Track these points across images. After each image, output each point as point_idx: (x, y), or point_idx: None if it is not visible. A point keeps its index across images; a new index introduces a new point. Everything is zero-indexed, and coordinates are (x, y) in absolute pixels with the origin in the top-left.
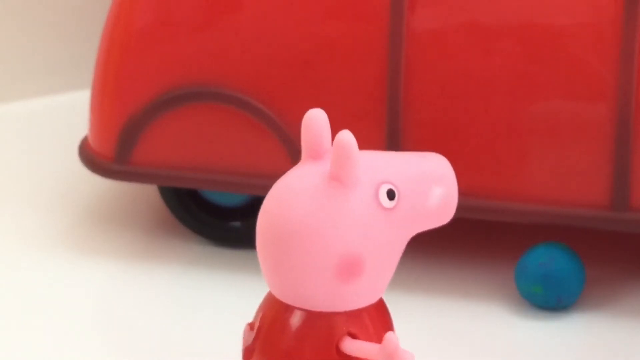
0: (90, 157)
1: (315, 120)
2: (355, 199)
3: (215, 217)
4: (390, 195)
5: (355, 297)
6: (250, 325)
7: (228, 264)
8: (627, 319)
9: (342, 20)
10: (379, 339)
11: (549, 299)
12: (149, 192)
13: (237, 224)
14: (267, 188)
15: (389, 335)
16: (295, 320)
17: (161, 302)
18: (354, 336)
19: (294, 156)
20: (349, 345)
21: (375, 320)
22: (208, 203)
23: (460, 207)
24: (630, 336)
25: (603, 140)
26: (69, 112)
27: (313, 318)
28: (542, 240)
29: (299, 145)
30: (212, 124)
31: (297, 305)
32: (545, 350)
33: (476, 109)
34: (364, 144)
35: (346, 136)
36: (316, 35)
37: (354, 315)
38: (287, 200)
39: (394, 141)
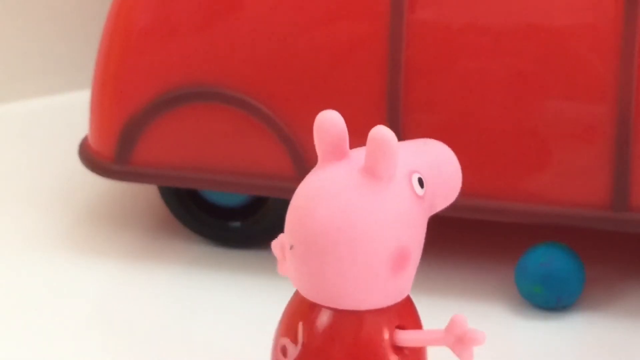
0: (90, 157)
1: (335, 121)
2: (396, 191)
3: (215, 217)
4: (421, 183)
5: (400, 289)
6: (292, 339)
7: (228, 264)
8: (627, 319)
9: (342, 20)
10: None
11: (549, 299)
12: (149, 192)
13: (237, 224)
14: (267, 188)
15: (457, 317)
16: (348, 323)
17: (161, 302)
18: (402, 328)
19: (294, 156)
20: (405, 337)
21: (413, 311)
22: (208, 203)
23: (460, 207)
24: (630, 336)
25: (603, 140)
26: (69, 112)
27: (365, 318)
28: (542, 240)
29: (299, 145)
30: (212, 124)
31: (347, 307)
32: (545, 350)
33: (476, 109)
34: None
35: (383, 130)
36: (316, 35)
37: (398, 308)
38: (328, 204)
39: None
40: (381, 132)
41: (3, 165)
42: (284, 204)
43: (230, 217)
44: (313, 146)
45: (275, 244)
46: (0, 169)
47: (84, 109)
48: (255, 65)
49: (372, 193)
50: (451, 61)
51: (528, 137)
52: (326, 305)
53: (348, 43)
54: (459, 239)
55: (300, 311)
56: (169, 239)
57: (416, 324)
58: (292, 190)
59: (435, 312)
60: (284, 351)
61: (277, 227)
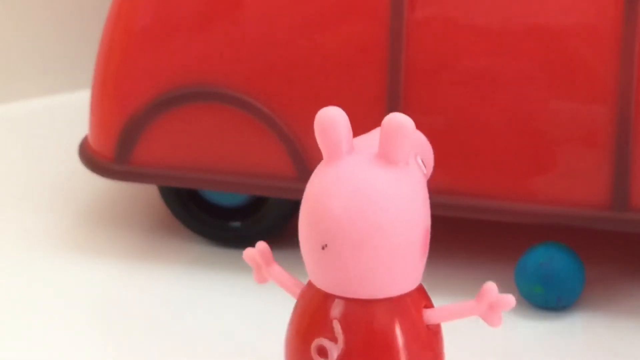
0: (90, 157)
1: (339, 118)
2: (413, 174)
3: (215, 217)
4: (423, 164)
5: (421, 271)
6: (330, 339)
7: (228, 264)
8: (627, 319)
9: (342, 21)
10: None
11: (549, 299)
12: (149, 192)
13: (237, 224)
14: (267, 188)
15: (488, 285)
16: (386, 311)
17: (161, 302)
18: (427, 307)
19: (293, 156)
20: (435, 315)
21: (425, 291)
22: (208, 203)
23: (460, 207)
24: (630, 336)
25: (603, 140)
26: (69, 112)
27: (400, 303)
28: (542, 240)
29: (299, 145)
30: (212, 124)
31: (383, 296)
32: (545, 350)
33: (476, 110)
34: None
35: (399, 117)
36: (316, 35)
37: (420, 289)
38: (354, 197)
39: None
40: (397, 119)
41: (3, 165)
42: (284, 204)
43: (230, 217)
44: (313, 146)
45: (247, 254)
46: (0, 169)
47: (84, 109)
48: (255, 65)
49: (395, 179)
50: (451, 61)
51: (528, 137)
52: (362, 297)
53: (348, 43)
54: (459, 239)
55: (330, 308)
56: (169, 239)
57: (431, 303)
58: (292, 190)
59: None
60: (322, 352)
61: (277, 227)
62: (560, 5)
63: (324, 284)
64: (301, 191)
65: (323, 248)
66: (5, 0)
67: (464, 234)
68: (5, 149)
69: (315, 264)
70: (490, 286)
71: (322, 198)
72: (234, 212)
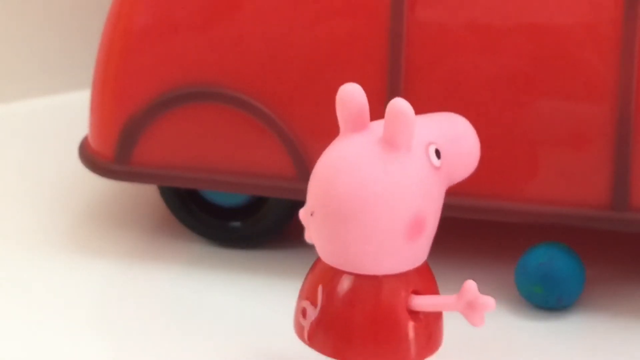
0: (90, 157)
1: (357, 93)
2: (413, 161)
3: (216, 217)
4: (438, 154)
5: (416, 255)
6: (311, 302)
7: (228, 264)
8: (627, 319)
9: (342, 20)
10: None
11: (549, 299)
12: (149, 192)
13: (237, 224)
14: (267, 188)
15: (468, 283)
16: (366, 287)
17: (161, 302)
18: (418, 293)
19: (294, 156)
20: (419, 302)
21: (429, 277)
22: (208, 203)
23: (460, 207)
24: (630, 336)
25: (603, 140)
26: (69, 112)
27: (383, 282)
28: (542, 240)
29: (299, 145)
30: (212, 124)
31: (366, 272)
32: (545, 350)
33: (476, 109)
34: None
35: (401, 102)
36: (316, 35)
37: (414, 274)
38: (348, 173)
39: None
40: (399, 104)
41: (3, 165)
42: (284, 204)
43: (230, 217)
44: (313, 146)
45: (302, 211)
46: (0, 169)
47: (84, 109)
48: (255, 65)
49: (390, 162)
50: (451, 61)
51: (528, 137)
52: (346, 270)
53: (348, 42)
54: (459, 239)
55: (321, 275)
56: (169, 239)
57: (432, 290)
58: (292, 190)
59: None
60: (303, 313)
61: (277, 227)
62: (560, 5)
63: (318, 250)
64: (301, 191)
65: (311, 214)
66: (5, 0)
67: (464, 234)
68: (5, 149)
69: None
70: (470, 285)
71: (321, 168)
72: (234, 212)
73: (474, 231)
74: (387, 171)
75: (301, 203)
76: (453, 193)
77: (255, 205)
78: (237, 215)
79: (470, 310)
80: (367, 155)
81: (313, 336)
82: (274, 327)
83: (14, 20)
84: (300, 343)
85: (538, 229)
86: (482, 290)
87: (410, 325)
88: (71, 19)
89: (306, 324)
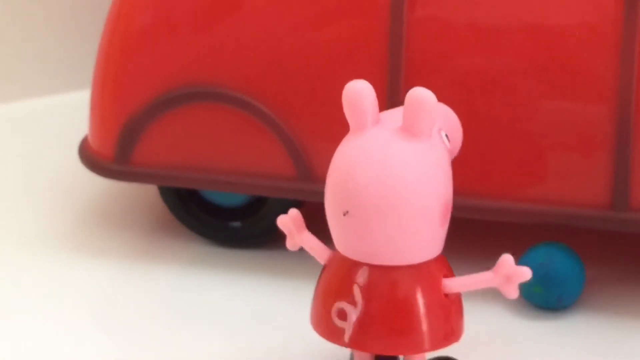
0: (90, 157)
1: (366, 91)
2: (436, 147)
3: (215, 217)
4: (447, 139)
5: (442, 239)
6: (348, 302)
7: (228, 264)
8: (627, 319)
9: (342, 20)
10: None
11: (549, 299)
12: (149, 192)
13: (237, 224)
14: (267, 188)
15: (505, 257)
16: (406, 278)
17: (161, 302)
18: (447, 277)
19: (294, 156)
20: (453, 284)
21: (446, 261)
22: (208, 203)
23: (460, 207)
24: (630, 336)
25: (603, 140)
26: (69, 112)
27: (418, 270)
28: (542, 240)
29: (299, 145)
30: (212, 124)
31: (404, 263)
32: (545, 350)
33: (476, 110)
34: None
35: (422, 90)
36: (316, 35)
37: (441, 259)
38: (377, 166)
39: None
40: (420, 92)
41: (3, 165)
42: (284, 204)
43: (230, 217)
44: (313, 146)
45: (281, 221)
46: (0, 169)
47: (84, 109)
48: (255, 65)
49: (417, 151)
50: (452, 61)
51: (528, 136)
52: (384, 264)
53: (348, 43)
54: (459, 238)
55: (352, 274)
56: (169, 239)
57: (452, 273)
58: (292, 190)
59: None
60: (341, 315)
61: (277, 227)
62: (560, 5)
63: (347, 250)
64: (301, 191)
65: (344, 215)
66: (6, 0)
67: (465, 234)
68: (5, 149)
69: (338, 230)
70: (507, 258)
71: (345, 167)
72: (234, 212)
73: (474, 231)
74: (415, 160)
75: (301, 203)
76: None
77: (255, 205)
78: (237, 215)
79: (508, 283)
80: (393, 147)
81: (358, 336)
82: (274, 326)
83: (14, 20)
84: (304, 343)
85: (538, 229)
86: (482, 290)
87: (452, 306)
88: (71, 19)
89: (347, 325)
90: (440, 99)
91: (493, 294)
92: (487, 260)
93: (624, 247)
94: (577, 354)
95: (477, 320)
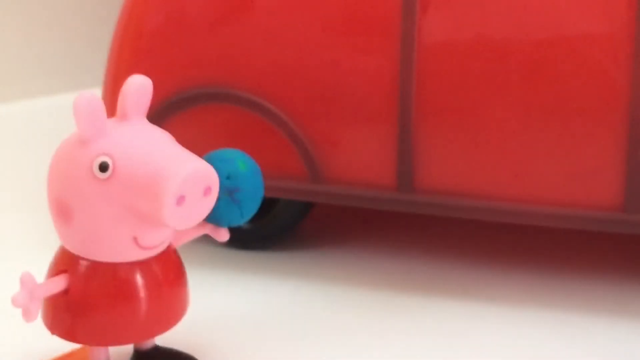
0: None
1: (145, 87)
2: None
3: None
4: (103, 168)
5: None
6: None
7: (228, 264)
8: (627, 319)
9: (354, 22)
10: None
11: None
12: None
13: (248, 225)
14: (278, 189)
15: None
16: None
17: None
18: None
19: (305, 157)
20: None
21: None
22: None
23: (461, 207)
24: (631, 337)
25: (615, 142)
26: (69, 112)
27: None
28: (542, 240)
29: (310, 146)
30: (224, 125)
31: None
32: (545, 350)
33: (487, 114)
34: (375, 145)
35: (86, 95)
36: (327, 38)
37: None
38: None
39: (405, 143)
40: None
41: (3, 165)
42: (295, 205)
43: None
44: (324, 147)
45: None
46: (0, 169)
47: None
48: (267, 67)
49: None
50: (464, 67)
51: (539, 140)
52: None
53: (359, 45)
54: (459, 238)
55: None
56: None
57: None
58: (304, 192)
59: (435, 312)
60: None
61: (289, 227)
62: (573, 9)
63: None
64: (313, 192)
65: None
66: (6, 0)
67: (464, 233)
68: (5, 149)
69: None
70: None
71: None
72: None
73: (474, 231)
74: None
75: (312, 204)
76: (453, 193)
77: (267, 207)
78: None
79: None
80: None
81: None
82: (274, 327)
83: (15, 20)
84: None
85: (538, 229)
86: (482, 290)
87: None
88: (71, 20)
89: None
90: (451, 103)
91: (493, 294)
92: (487, 260)
93: (624, 247)
94: (577, 354)
95: (477, 320)
